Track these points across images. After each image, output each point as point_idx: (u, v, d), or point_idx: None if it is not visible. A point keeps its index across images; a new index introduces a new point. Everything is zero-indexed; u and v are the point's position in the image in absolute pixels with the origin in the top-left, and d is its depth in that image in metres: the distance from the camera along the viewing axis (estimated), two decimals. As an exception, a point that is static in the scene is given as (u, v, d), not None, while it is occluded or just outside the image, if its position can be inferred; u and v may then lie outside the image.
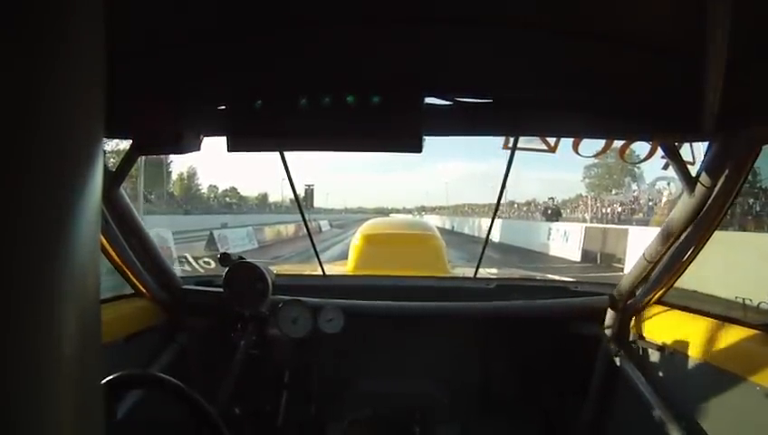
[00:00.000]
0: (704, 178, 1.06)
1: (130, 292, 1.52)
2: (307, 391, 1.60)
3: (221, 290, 1.52)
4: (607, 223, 13.84)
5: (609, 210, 17.54)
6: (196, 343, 1.65)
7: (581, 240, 11.12)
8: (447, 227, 28.38)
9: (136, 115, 0.97)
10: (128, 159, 1.24)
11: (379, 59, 0.96)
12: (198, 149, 1.13)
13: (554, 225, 13.24)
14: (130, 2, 0.70)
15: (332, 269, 2.58)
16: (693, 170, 1.10)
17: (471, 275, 2.09)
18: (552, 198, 20.19)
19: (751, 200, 8.86)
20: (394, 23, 0.89)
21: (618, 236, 9.89)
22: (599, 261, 10.03)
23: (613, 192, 22.27)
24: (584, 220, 15.90)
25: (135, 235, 1.42)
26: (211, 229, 12.51)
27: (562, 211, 18.76)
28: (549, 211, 16.64)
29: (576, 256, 10.97)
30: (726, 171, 1.03)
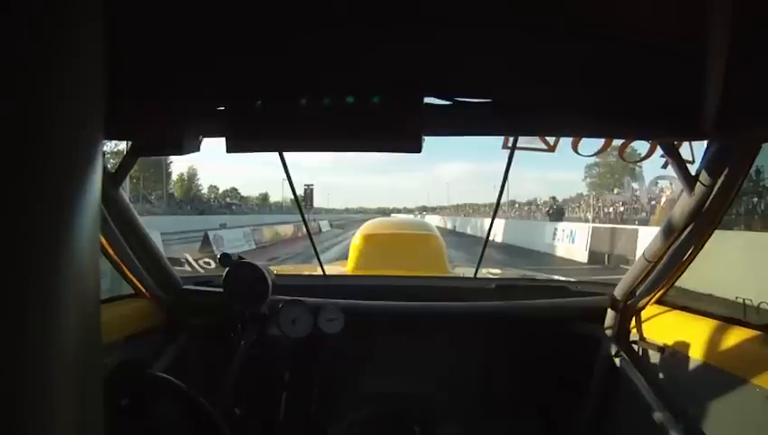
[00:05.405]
0: (703, 177, 1.06)
1: (130, 292, 1.53)
2: (307, 391, 1.60)
3: (221, 290, 1.52)
4: (609, 223, 13.75)
5: (611, 209, 17.53)
6: (197, 343, 1.65)
7: (588, 241, 10.90)
8: (449, 227, 28.42)
9: (135, 116, 0.97)
10: (127, 159, 1.25)
11: (379, 59, 0.96)
12: (198, 149, 1.13)
13: (559, 225, 13.10)
14: (130, 2, 0.70)
15: (332, 269, 2.58)
16: (692, 169, 1.10)
17: (471, 275, 2.09)
18: (554, 198, 20.19)
19: (755, 199, 8.80)
20: (394, 22, 0.89)
21: (627, 236, 9.59)
22: (607, 262, 9.81)
23: (615, 191, 22.26)
24: (586, 220, 15.85)
25: (135, 235, 1.42)
26: (206, 230, 12.44)
27: (564, 211, 18.78)
28: (551, 211, 16.74)
29: (583, 257, 10.78)
30: (726, 171, 1.03)
